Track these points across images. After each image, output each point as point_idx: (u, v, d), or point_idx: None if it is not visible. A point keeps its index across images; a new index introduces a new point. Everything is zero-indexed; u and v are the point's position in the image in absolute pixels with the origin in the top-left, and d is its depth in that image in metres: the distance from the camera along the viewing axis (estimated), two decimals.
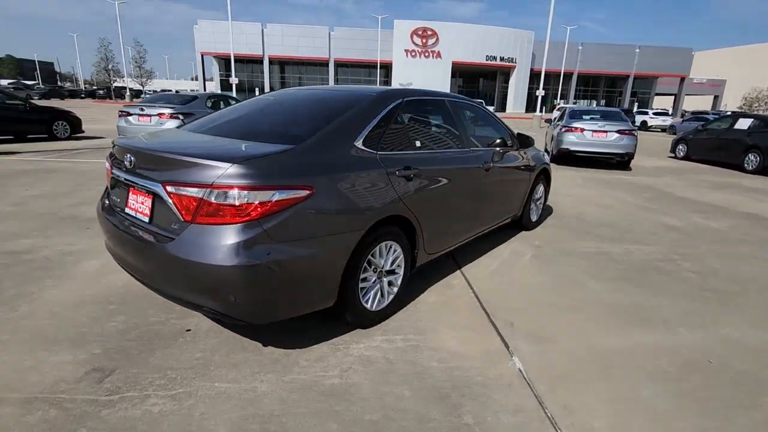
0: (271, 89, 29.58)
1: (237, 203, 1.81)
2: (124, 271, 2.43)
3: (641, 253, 4.05)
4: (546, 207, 5.65)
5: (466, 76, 57.47)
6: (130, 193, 2.19)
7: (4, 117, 9.65)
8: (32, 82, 51.87)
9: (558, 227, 4.83)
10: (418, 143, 2.79)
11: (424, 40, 50.44)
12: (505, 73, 55.06)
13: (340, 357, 2.24)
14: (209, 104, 10.19)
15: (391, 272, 2.61)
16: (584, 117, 10.00)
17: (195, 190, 1.85)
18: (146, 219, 2.07)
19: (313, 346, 2.32)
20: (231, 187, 1.81)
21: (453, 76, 52.96)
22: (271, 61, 53.25)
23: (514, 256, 3.86)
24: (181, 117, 9.03)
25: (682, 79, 57.87)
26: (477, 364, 2.22)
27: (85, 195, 5.37)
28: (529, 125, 25.66)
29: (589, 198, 6.51)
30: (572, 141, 9.33)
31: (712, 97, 62.69)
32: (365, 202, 2.24)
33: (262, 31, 51.55)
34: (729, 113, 16.26)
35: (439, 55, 50.87)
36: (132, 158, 2.12)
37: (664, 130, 30.72)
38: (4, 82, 40.95)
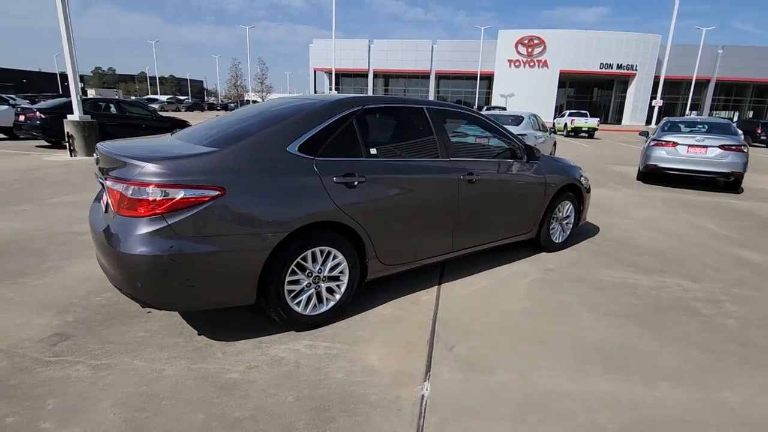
0: None
1: (147, 198, 2.02)
2: None
3: (679, 290, 3.39)
4: (590, 228, 5.04)
5: (578, 85, 53.40)
6: (102, 188, 2.56)
7: (137, 124, 12.20)
8: (184, 97, 62.71)
9: (589, 251, 4.26)
10: (373, 150, 2.75)
11: (529, 50, 48.24)
12: (624, 81, 49.91)
13: (257, 354, 2.31)
14: None
15: (335, 278, 2.61)
16: (682, 129, 8.62)
17: (120, 185, 2.10)
18: (103, 209, 2.40)
19: (239, 341, 2.43)
20: (144, 183, 2.03)
21: (562, 86, 49.66)
22: (376, 75, 55.78)
23: (513, 277, 3.52)
24: None
25: None
26: (384, 382, 2.11)
27: None
28: (627, 138, 22.74)
29: (653, 221, 5.59)
30: (661, 157, 8.06)
31: None
32: (288, 206, 2.29)
33: (369, 46, 54.37)
34: None
35: (546, 64, 48.19)
36: (99, 159, 2.48)
37: None
38: (164, 97, 50.22)
